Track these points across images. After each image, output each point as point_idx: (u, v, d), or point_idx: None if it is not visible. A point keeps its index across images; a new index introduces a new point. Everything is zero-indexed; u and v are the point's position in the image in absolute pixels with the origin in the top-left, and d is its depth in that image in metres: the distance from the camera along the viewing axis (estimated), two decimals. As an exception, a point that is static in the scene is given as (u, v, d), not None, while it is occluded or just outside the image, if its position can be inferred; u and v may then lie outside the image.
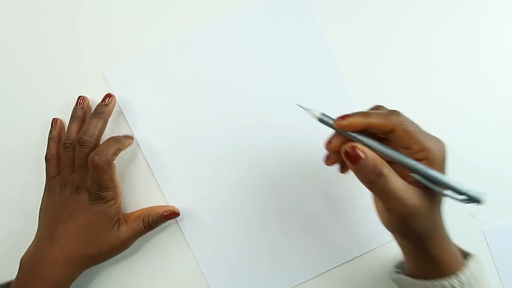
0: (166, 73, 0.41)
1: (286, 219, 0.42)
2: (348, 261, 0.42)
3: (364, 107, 0.41)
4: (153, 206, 0.41)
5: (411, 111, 0.41)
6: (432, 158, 0.29)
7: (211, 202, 0.42)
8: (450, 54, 0.41)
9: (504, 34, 0.41)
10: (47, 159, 0.40)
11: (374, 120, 0.30)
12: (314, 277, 0.42)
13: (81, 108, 0.40)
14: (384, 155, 0.30)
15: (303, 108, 0.32)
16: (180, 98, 0.41)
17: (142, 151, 0.42)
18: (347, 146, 0.29)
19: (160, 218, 0.40)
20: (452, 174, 0.41)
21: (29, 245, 0.39)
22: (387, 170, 0.28)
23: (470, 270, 0.31)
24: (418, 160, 0.29)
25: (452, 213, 0.41)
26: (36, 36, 0.41)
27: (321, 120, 0.32)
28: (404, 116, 0.30)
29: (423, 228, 0.30)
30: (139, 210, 0.41)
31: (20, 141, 0.42)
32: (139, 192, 0.42)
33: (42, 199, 0.40)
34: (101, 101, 0.40)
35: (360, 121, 0.30)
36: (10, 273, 0.42)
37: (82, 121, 0.40)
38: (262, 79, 0.41)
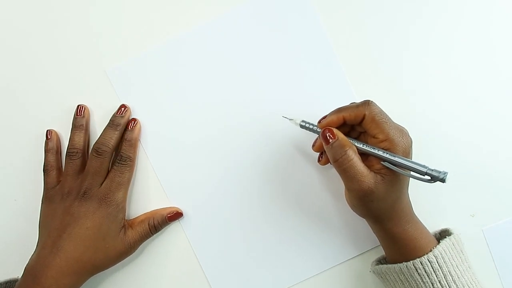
0: (169, 72, 0.41)
1: (286, 219, 0.42)
2: (348, 260, 0.42)
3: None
4: (156, 209, 0.42)
5: (410, 110, 0.41)
6: (394, 148, 0.34)
7: (213, 203, 0.42)
8: (450, 53, 0.41)
9: (504, 32, 0.41)
10: (45, 170, 0.40)
11: (346, 113, 0.35)
12: (314, 276, 0.42)
13: (82, 117, 0.41)
14: (357, 148, 0.35)
15: (287, 118, 0.39)
16: (182, 97, 0.41)
17: (144, 150, 0.42)
18: (329, 129, 0.35)
19: (165, 220, 0.40)
20: (452, 174, 0.41)
21: (32, 253, 0.38)
22: (351, 153, 0.34)
23: (439, 248, 0.35)
24: (385, 149, 0.34)
25: (452, 213, 0.42)
26: (37, 36, 0.41)
27: (302, 127, 0.38)
28: (374, 106, 0.34)
29: (378, 208, 0.34)
30: (143, 214, 0.42)
31: (20, 140, 0.42)
32: (142, 191, 0.42)
33: (41, 210, 0.40)
34: (117, 112, 0.40)
35: (335, 117, 0.36)
36: (10, 273, 0.42)
37: (85, 129, 0.41)
38: (264, 78, 0.41)
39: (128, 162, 0.39)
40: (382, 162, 0.34)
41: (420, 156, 0.41)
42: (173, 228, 0.42)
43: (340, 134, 0.35)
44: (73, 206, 0.38)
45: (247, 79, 0.41)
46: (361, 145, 0.35)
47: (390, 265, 0.36)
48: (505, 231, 0.42)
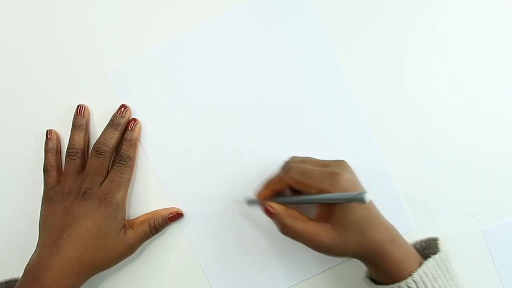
0: (169, 72, 0.41)
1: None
2: (346, 260, 0.42)
3: (365, 104, 0.41)
4: (156, 210, 0.42)
5: (410, 110, 0.41)
6: (330, 191, 0.33)
7: (213, 203, 0.42)
8: (450, 53, 0.41)
9: (504, 32, 0.41)
10: (45, 170, 0.40)
11: (274, 186, 0.37)
12: (314, 276, 0.42)
13: (82, 117, 0.41)
14: (294, 202, 0.37)
15: (240, 202, 0.41)
16: (182, 97, 0.41)
17: (144, 150, 0.42)
18: (264, 205, 0.36)
19: (166, 220, 0.41)
20: (452, 174, 0.42)
21: (32, 253, 0.38)
22: (290, 220, 0.35)
23: (420, 271, 0.33)
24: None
25: (452, 213, 0.42)
26: (37, 36, 0.41)
27: (249, 203, 0.41)
28: (292, 170, 0.35)
29: (345, 253, 0.35)
30: (143, 215, 0.42)
31: (20, 140, 0.42)
32: (142, 191, 0.42)
33: (41, 210, 0.40)
34: (117, 112, 0.40)
35: (267, 192, 0.38)
36: (10, 273, 0.42)
37: (85, 129, 0.41)
38: (264, 78, 0.41)
39: (128, 162, 0.39)
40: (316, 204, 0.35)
41: (420, 156, 0.41)
42: (173, 228, 0.42)
43: (276, 207, 0.36)
44: (73, 206, 0.38)
45: (247, 79, 0.41)
46: (294, 198, 0.37)
47: (373, 285, 0.36)
48: (505, 231, 0.42)
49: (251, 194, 0.40)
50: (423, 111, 0.41)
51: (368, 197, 0.29)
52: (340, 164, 0.35)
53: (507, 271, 0.42)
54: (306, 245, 0.35)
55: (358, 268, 0.42)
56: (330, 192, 0.33)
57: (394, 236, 0.35)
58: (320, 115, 0.41)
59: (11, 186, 0.42)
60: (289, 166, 0.36)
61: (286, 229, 0.35)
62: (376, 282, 0.36)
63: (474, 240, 0.42)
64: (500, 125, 0.41)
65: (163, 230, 0.42)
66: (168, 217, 0.41)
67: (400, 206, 0.41)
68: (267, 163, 0.41)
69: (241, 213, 0.42)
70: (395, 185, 0.41)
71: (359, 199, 0.30)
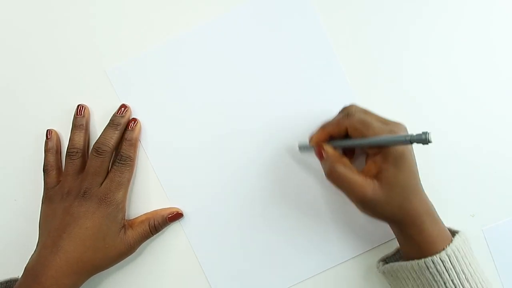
0: (169, 72, 0.41)
1: (286, 218, 0.42)
2: (347, 260, 0.42)
3: (365, 104, 0.41)
4: (156, 210, 0.42)
5: (410, 109, 0.41)
6: (384, 150, 0.34)
7: (213, 203, 0.42)
8: (450, 53, 0.41)
9: (504, 32, 0.41)
10: (45, 170, 0.40)
11: (330, 129, 0.37)
12: (314, 276, 0.42)
13: (82, 116, 0.41)
14: (350, 145, 0.37)
15: (293, 149, 0.41)
16: (182, 97, 0.41)
17: (144, 150, 0.42)
18: (317, 146, 0.37)
19: (165, 220, 0.41)
20: (452, 174, 0.42)
21: (32, 253, 0.38)
22: (340, 167, 0.35)
23: (453, 246, 0.34)
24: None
25: (452, 213, 0.42)
26: (37, 36, 0.41)
27: (300, 149, 0.40)
28: (352, 117, 0.35)
29: (384, 213, 0.35)
30: (143, 214, 0.42)
31: (20, 140, 0.42)
32: (142, 191, 0.42)
33: (41, 210, 0.40)
34: (117, 112, 0.40)
35: (321, 135, 0.37)
36: (10, 273, 0.42)
37: (85, 129, 0.41)
38: (264, 78, 0.41)
39: (128, 162, 0.39)
40: (369, 149, 0.35)
41: (420, 156, 0.41)
42: (173, 228, 0.42)
43: (329, 150, 0.36)
44: (73, 206, 0.38)
45: (247, 79, 0.41)
46: (346, 142, 0.36)
47: (402, 263, 0.36)
48: (505, 231, 0.42)
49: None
50: (423, 111, 0.41)
51: (432, 137, 0.29)
52: (399, 126, 0.35)
53: (507, 271, 0.42)
54: (348, 195, 0.35)
55: (358, 268, 0.42)
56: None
57: (433, 211, 0.36)
58: (320, 115, 0.41)
59: (11, 186, 0.42)
60: (351, 112, 0.36)
61: (333, 174, 0.35)
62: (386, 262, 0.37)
63: (474, 240, 0.42)
64: (500, 125, 0.41)
65: (163, 230, 0.42)
66: (168, 217, 0.41)
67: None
68: (268, 163, 0.41)
69: (241, 213, 0.42)
70: (395, 185, 0.41)
71: (423, 139, 0.29)
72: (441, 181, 0.41)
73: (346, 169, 0.35)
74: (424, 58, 0.41)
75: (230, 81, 0.41)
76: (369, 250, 0.42)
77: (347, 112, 0.36)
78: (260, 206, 0.42)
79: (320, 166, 0.41)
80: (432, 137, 0.29)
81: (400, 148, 0.34)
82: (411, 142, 0.31)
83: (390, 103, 0.41)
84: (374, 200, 0.34)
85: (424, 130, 0.29)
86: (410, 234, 0.35)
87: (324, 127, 0.37)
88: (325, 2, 0.41)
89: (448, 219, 0.41)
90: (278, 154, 0.41)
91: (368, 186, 0.34)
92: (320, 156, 0.36)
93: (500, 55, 0.41)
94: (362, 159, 0.38)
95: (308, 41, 0.41)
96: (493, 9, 0.41)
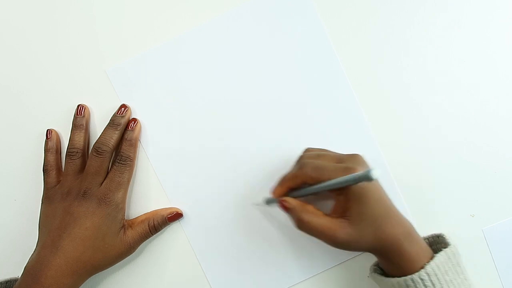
0: (169, 72, 0.41)
1: (286, 218, 0.42)
2: (347, 260, 0.42)
3: (365, 105, 0.41)
4: (156, 210, 0.42)
5: (411, 110, 0.41)
6: (345, 190, 0.34)
7: (213, 203, 0.42)
8: (450, 53, 0.41)
9: (504, 32, 0.41)
10: (45, 170, 0.40)
11: (288, 184, 0.37)
12: (314, 276, 0.42)
13: (82, 116, 0.41)
14: (308, 193, 0.36)
15: (260, 203, 0.42)
16: (182, 97, 0.41)
17: (144, 150, 0.42)
18: (280, 201, 0.37)
19: (165, 220, 0.41)
20: (452, 174, 0.42)
21: (32, 253, 0.38)
22: (305, 215, 0.35)
23: (432, 264, 0.34)
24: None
25: (452, 213, 0.42)
26: (37, 36, 0.41)
27: (267, 203, 0.40)
28: (306, 167, 0.35)
29: (360, 247, 0.35)
30: (143, 214, 0.42)
31: (20, 140, 0.42)
32: (142, 191, 0.42)
33: (41, 210, 0.40)
34: (117, 112, 0.40)
35: (281, 189, 0.38)
36: (10, 273, 0.42)
37: (85, 129, 0.41)
38: (264, 78, 0.41)
39: (128, 162, 0.39)
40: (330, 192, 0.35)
41: (420, 156, 0.41)
42: (173, 228, 0.42)
43: (292, 202, 0.36)
44: (73, 206, 0.38)
45: (247, 79, 0.41)
46: (304, 191, 0.36)
47: (384, 278, 0.36)
48: (505, 231, 0.42)
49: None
50: (423, 111, 0.41)
51: (375, 173, 0.29)
52: (355, 158, 0.35)
53: (507, 271, 0.42)
54: (322, 240, 0.35)
55: (358, 268, 0.42)
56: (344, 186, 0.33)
57: (409, 231, 0.35)
58: (320, 115, 0.41)
59: (11, 186, 0.42)
60: (304, 162, 0.36)
61: (302, 224, 0.35)
62: (385, 274, 0.36)
63: (474, 240, 0.42)
64: (500, 125, 0.41)
65: (162, 230, 0.42)
66: (168, 217, 0.41)
67: (400, 206, 0.41)
68: (268, 163, 0.41)
69: (241, 213, 0.42)
70: (395, 185, 0.41)
71: (366, 177, 0.30)
72: (441, 181, 0.41)
73: (312, 216, 0.35)
74: (425, 58, 0.41)
75: (230, 81, 0.41)
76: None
77: (300, 162, 0.37)
78: (259, 207, 0.42)
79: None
80: (374, 174, 0.29)
81: (359, 184, 0.33)
82: (358, 181, 0.31)
83: (390, 103, 0.41)
84: (347, 239, 0.34)
85: (368, 169, 0.29)
86: (390, 258, 0.35)
87: (283, 181, 0.38)
88: (325, 2, 0.41)
89: (448, 219, 0.42)
90: (278, 154, 0.41)
91: (338, 227, 0.34)
92: (284, 208, 0.36)
93: (500, 54, 0.41)
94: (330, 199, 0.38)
95: (309, 41, 0.41)
96: (493, 8, 0.41)
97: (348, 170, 0.33)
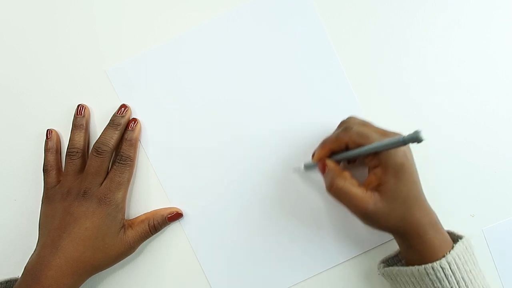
0: (169, 72, 0.41)
1: (286, 218, 0.42)
2: (348, 260, 0.42)
3: (365, 105, 0.41)
4: (156, 210, 0.42)
5: (411, 109, 0.41)
6: (385, 158, 0.34)
7: (213, 203, 0.42)
8: (450, 53, 0.41)
9: (504, 32, 0.41)
10: (45, 170, 0.40)
11: (331, 145, 0.37)
12: (314, 276, 0.42)
13: (82, 116, 0.41)
14: (350, 156, 0.36)
15: (299, 169, 0.41)
16: (182, 97, 0.41)
17: (144, 150, 0.42)
18: (318, 161, 0.38)
19: (165, 220, 0.41)
20: (452, 174, 0.42)
21: (32, 253, 0.38)
22: (341, 181, 0.35)
23: (453, 253, 0.34)
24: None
25: (452, 213, 0.42)
26: (37, 36, 0.41)
27: (306, 168, 0.41)
28: (351, 131, 0.35)
29: (387, 225, 0.35)
30: (143, 214, 0.42)
31: (20, 140, 0.42)
32: (142, 191, 0.42)
33: (41, 210, 0.40)
34: (117, 112, 0.40)
35: (322, 151, 0.38)
36: (10, 273, 0.42)
37: (85, 129, 0.41)
38: (264, 78, 0.41)
39: (128, 162, 0.39)
40: (367, 158, 0.35)
41: (420, 155, 0.41)
42: (173, 228, 0.42)
43: (331, 165, 0.36)
44: (73, 206, 0.38)
45: (247, 79, 0.41)
46: (345, 154, 0.36)
47: (402, 268, 0.36)
48: (505, 231, 0.42)
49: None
50: (423, 111, 0.41)
51: (424, 135, 0.29)
52: (397, 135, 0.35)
53: (507, 271, 0.42)
54: (350, 208, 0.35)
55: (359, 268, 0.42)
56: (386, 158, 0.33)
57: (435, 220, 0.35)
58: (320, 115, 0.41)
59: (11, 186, 0.42)
60: (348, 126, 0.36)
61: (333, 188, 0.35)
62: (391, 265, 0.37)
63: (474, 240, 0.42)
64: (500, 125, 0.41)
65: (162, 230, 0.42)
66: (168, 217, 0.41)
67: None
68: (268, 163, 0.41)
69: (241, 213, 0.42)
70: (395, 185, 0.41)
71: (416, 138, 0.29)
72: (441, 181, 0.41)
73: (346, 183, 0.35)
74: (425, 58, 0.41)
75: (230, 81, 0.41)
76: (369, 250, 0.42)
77: (345, 126, 0.36)
78: (260, 205, 0.42)
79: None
80: (424, 135, 0.29)
81: (400, 159, 0.34)
82: (405, 143, 0.31)
83: (390, 103, 0.41)
84: (376, 213, 0.34)
85: (417, 130, 0.29)
86: (413, 244, 0.35)
87: (324, 143, 0.38)
88: (325, 2, 0.41)
89: (448, 219, 0.41)
90: (278, 153, 0.41)
91: (369, 199, 0.34)
92: (322, 171, 0.37)
93: (500, 55, 0.41)
94: (365, 172, 0.38)
95: (309, 41, 0.41)
96: (493, 9, 0.41)
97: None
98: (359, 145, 0.34)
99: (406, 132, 0.35)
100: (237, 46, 0.41)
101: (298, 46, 0.41)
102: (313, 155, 0.39)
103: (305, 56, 0.41)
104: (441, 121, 0.41)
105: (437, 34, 0.41)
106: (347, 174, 0.36)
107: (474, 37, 0.41)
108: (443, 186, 0.42)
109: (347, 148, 0.36)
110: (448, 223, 0.41)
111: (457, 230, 0.38)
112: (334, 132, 0.38)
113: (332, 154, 0.37)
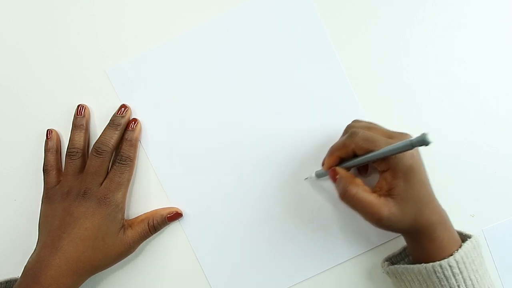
0: (169, 72, 0.41)
1: (286, 218, 0.42)
2: (347, 260, 0.42)
3: (366, 105, 0.41)
4: (156, 209, 0.42)
5: (410, 109, 0.41)
6: (393, 162, 0.34)
7: (213, 203, 0.42)
8: (450, 54, 0.41)
9: (504, 32, 0.41)
10: (45, 170, 0.40)
11: (338, 153, 0.37)
12: (314, 276, 0.42)
13: (82, 116, 0.41)
14: (359, 163, 0.36)
15: (311, 178, 0.41)
16: (182, 97, 0.41)
17: (144, 151, 0.42)
18: (329, 169, 0.37)
19: (164, 220, 0.41)
20: (452, 174, 0.42)
21: (31, 253, 0.38)
22: (353, 187, 0.35)
23: (461, 252, 0.34)
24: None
25: (452, 213, 0.41)
26: (37, 36, 0.41)
27: (318, 176, 0.40)
28: (356, 136, 0.35)
29: (399, 227, 0.35)
30: (143, 214, 0.42)
31: (20, 140, 0.42)
32: (142, 191, 0.42)
33: (41, 210, 0.40)
34: (117, 112, 0.40)
35: (331, 159, 0.37)
36: (10, 273, 0.42)
37: (85, 129, 0.41)
38: (264, 78, 0.41)
39: (128, 162, 0.39)
40: (375, 163, 0.35)
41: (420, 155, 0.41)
42: (173, 228, 0.42)
43: (342, 172, 0.36)
44: (73, 206, 0.38)
45: (247, 79, 0.41)
46: (354, 161, 0.36)
47: (408, 266, 0.36)
48: (505, 231, 0.42)
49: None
50: (423, 111, 0.41)
51: (431, 137, 0.29)
52: (405, 137, 0.35)
53: (507, 271, 0.42)
54: (363, 215, 0.35)
55: (359, 268, 0.42)
56: (394, 162, 0.33)
57: (445, 218, 0.36)
58: (320, 115, 0.41)
59: (11, 186, 0.42)
60: (353, 131, 0.36)
61: (346, 195, 0.35)
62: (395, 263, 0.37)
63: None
64: (500, 125, 0.41)
65: (162, 230, 0.42)
66: (167, 217, 0.41)
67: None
68: (268, 163, 0.41)
69: (241, 213, 0.42)
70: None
71: (423, 141, 0.29)
72: (441, 181, 0.41)
73: (359, 190, 0.35)
74: (425, 58, 0.41)
75: (230, 81, 0.41)
76: (371, 248, 0.42)
77: (350, 131, 0.36)
78: (260, 205, 0.42)
79: (320, 167, 0.41)
80: (430, 137, 0.29)
81: (408, 161, 0.34)
82: (413, 147, 0.31)
83: (390, 103, 0.41)
84: (390, 219, 0.34)
85: (424, 133, 0.29)
86: (422, 242, 0.35)
87: (331, 150, 0.38)
88: (325, 2, 0.41)
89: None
90: (278, 154, 0.41)
91: (384, 205, 0.34)
92: (334, 179, 0.37)
93: (500, 55, 0.41)
94: (377, 177, 0.38)
95: (309, 41, 0.41)
96: (493, 9, 0.41)
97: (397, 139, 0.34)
98: (366, 150, 0.34)
99: (409, 131, 0.35)
100: (237, 46, 0.41)
101: (298, 46, 0.41)
102: (323, 163, 0.39)
103: (305, 56, 0.41)
104: (441, 121, 0.41)
105: (437, 34, 0.41)
106: (359, 181, 0.36)
107: (474, 37, 0.41)
108: (443, 186, 0.41)
109: (354, 154, 0.36)
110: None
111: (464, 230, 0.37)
112: (340, 138, 0.38)
113: (341, 160, 0.37)
